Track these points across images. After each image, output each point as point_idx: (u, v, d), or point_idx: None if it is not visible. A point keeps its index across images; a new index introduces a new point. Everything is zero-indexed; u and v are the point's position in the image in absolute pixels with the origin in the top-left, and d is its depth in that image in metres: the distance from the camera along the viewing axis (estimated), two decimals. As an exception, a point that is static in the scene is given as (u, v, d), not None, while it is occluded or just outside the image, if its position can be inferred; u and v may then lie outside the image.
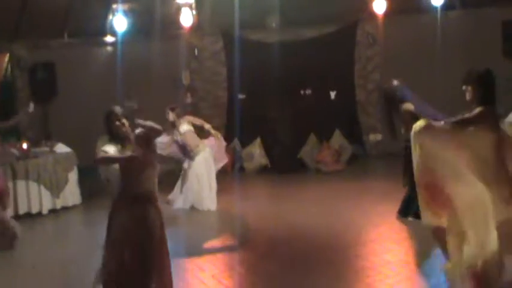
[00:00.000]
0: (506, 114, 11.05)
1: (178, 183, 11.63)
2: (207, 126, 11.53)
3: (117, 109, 6.25)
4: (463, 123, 5.47)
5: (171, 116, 11.30)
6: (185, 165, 11.46)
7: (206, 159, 11.42)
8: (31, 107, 11.15)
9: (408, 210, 9.18)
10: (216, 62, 16.17)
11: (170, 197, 11.54)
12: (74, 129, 14.01)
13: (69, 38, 15.31)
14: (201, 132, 11.58)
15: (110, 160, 6.21)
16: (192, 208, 11.24)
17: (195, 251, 8.78)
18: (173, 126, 11.30)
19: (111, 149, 5.94)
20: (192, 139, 11.34)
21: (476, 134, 5.39)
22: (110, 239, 5.85)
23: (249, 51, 14.95)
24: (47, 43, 15.13)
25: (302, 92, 15.61)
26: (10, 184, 10.97)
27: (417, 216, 8.86)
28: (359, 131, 15.57)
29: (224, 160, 11.88)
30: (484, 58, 12.02)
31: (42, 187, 11.51)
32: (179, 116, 11.39)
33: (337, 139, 15.03)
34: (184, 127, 11.26)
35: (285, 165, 14.34)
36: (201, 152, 11.35)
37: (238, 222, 10.42)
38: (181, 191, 11.52)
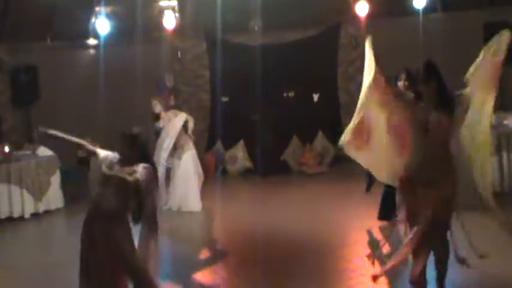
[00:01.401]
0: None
1: (163, 183, 11.56)
2: (191, 124, 11.55)
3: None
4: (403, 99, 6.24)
5: (158, 108, 11.32)
6: (170, 164, 11.42)
7: (194, 158, 11.41)
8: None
9: (386, 211, 9.19)
10: (199, 64, 16.16)
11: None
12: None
13: (51, 41, 15.24)
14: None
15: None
16: (177, 210, 11.22)
17: (176, 254, 8.77)
18: (157, 118, 11.33)
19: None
20: (182, 137, 11.35)
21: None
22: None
23: (231, 54, 14.96)
24: (30, 46, 15.03)
25: (285, 94, 15.64)
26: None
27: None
28: (342, 133, 15.55)
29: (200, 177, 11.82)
30: (466, 60, 12.09)
31: (24, 191, 11.45)
32: (166, 109, 11.43)
33: (320, 141, 15.08)
34: (178, 122, 11.30)
35: (268, 167, 14.35)
36: (189, 151, 11.35)
37: (221, 225, 10.43)
38: (167, 191, 11.47)
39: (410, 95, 6.24)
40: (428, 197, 5.63)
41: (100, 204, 5.81)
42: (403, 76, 8.91)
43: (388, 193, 8.83)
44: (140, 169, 5.77)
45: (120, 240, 5.75)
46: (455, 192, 5.75)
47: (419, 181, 5.72)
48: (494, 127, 11.00)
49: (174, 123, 11.26)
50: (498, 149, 10.91)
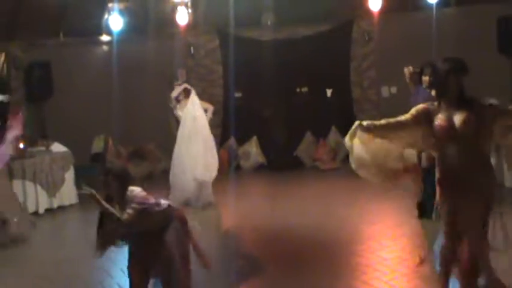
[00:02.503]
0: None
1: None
2: (211, 108, 11.67)
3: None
4: None
5: (176, 92, 11.41)
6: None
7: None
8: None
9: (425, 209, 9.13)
10: (211, 60, 16.15)
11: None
12: (70, 128, 14.00)
13: (64, 37, 15.27)
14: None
15: None
16: (188, 205, 11.20)
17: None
18: (177, 101, 11.40)
19: None
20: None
21: None
22: None
23: (244, 49, 14.96)
24: (43, 42, 15.08)
25: (298, 89, 15.63)
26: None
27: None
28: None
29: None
30: (480, 55, 12.05)
31: (38, 186, 11.53)
32: (187, 96, 11.48)
33: (334, 137, 15.05)
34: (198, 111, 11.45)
35: (281, 163, 14.35)
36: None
37: (234, 220, 10.44)
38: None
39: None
40: (469, 199, 5.49)
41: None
42: (428, 71, 8.83)
43: (428, 192, 8.81)
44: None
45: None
46: (495, 191, 5.62)
47: (456, 183, 5.55)
48: None
49: (196, 116, 11.35)
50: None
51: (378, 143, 5.74)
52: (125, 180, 5.91)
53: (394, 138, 5.72)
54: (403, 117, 5.61)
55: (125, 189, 5.85)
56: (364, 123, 5.61)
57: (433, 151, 5.67)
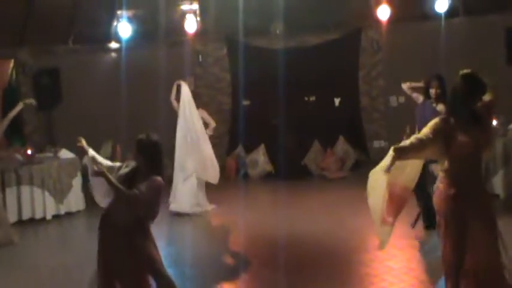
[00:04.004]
0: (509, 122, 11.10)
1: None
2: (213, 125, 11.65)
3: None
4: None
5: (172, 94, 11.64)
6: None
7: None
8: (32, 101, 10.88)
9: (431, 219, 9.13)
10: (220, 68, 16.20)
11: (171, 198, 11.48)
12: (78, 134, 13.94)
13: (73, 44, 15.32)
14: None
15: None
16: (194, 213, 11.22)
17: (198, 258, 8.80)
18: (177, 102, 11.50)
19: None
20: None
21: None
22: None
23: (253, 57, 15.00)
24: (52, 49, 15.15)
25: (306, 98, 15.64)
26: (14, 189, 11.07)
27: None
28: (363, 137, 15.57)
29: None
30: (488, 65, 12.04)
31: (46, 192, 11.56)
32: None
33: (341, 146, 15.03)
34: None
35: (289, 171, 14.33)
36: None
37: (241, 228, 10.43)
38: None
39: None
40: (479, 208, 5.52)
41: (112, 215, 5.91)
42: (435, 83, 8.83)
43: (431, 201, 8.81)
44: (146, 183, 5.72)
45: (144, 246, 5.80)
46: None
47: (468, 193, 5.57)
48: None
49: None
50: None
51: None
52: (152, 153, 5.89)
53: (418, 158, 5.86)
54: (424, 137, 5.57)
55: (152, 162, 5.83)
56: (397, 149, 5.56)
57: (441, 162, 5.68)
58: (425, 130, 5.61)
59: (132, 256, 5.75)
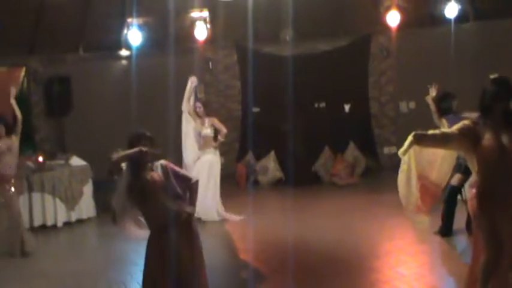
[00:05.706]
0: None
1: None
2: (224, 131, 11.65)
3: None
4: None
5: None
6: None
7: (211, 163, 11.42)
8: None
9: (449, 227, 9.15)
10: (230, 75, 16.23)
11: None
12: (89, 142, 14.07)
13: (84, 52, 15.39)
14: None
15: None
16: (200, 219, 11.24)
17: (208, 264, 8.78)
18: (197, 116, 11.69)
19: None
20: (208, 140, 11.52)
21: None
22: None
23: (263, 64, 15.00)
24: (63, 57, 15.22)
25: (316, 105, 15.62)
26: (25, 197, 11.10)
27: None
28: (373, 143, 15.55)
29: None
30: (498, 70, 11.99)
31: (57, 200, 11.59)
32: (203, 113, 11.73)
33: (352, 152, 15.00)
34: (208, 130, 11.54)
35: (299, 178, 14.30)
36: (210, 154, 11.42)
37: (252, 235, 10.42)
38: None
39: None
40: (508, 213, 5.50)
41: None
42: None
43: (449, 209, 8.86)
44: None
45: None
46: None
47: (498, 198, 5.54)
48: None
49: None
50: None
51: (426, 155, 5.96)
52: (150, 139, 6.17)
53: (438, 148, 5.85)
54: (449, 132, 5.61)
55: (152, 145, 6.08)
56: (417, 134, 5.58)
57: (471, 164, 5.66)
58: (454, 127, 5.63)
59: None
